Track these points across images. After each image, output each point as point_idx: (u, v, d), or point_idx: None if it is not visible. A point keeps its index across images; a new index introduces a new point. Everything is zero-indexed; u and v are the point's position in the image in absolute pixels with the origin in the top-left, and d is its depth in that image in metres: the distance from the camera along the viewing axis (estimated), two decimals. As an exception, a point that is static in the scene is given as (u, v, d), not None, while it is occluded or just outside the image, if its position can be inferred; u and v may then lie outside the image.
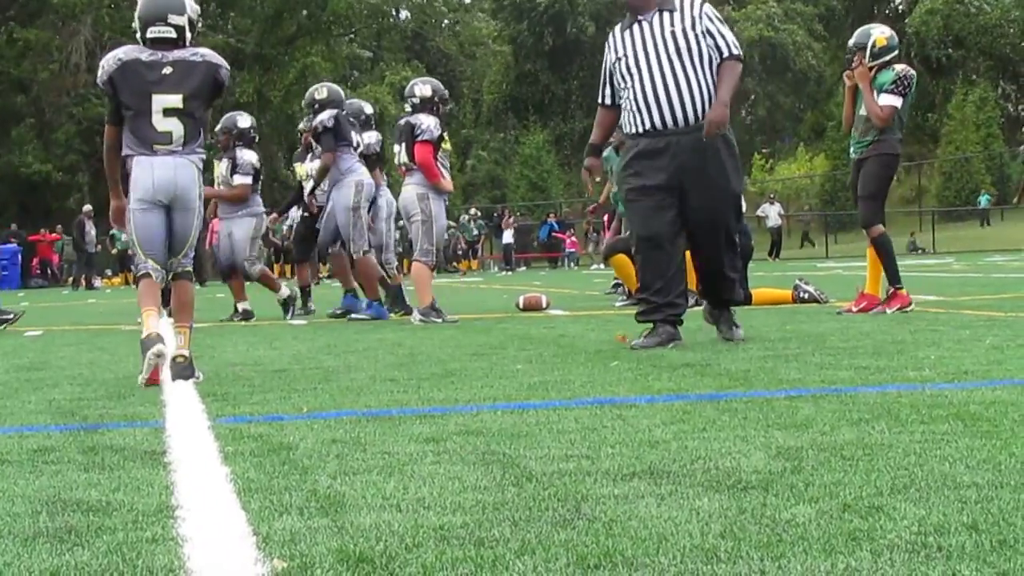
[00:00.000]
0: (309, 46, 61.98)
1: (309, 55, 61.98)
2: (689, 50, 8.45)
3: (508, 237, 53.31)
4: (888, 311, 11.05)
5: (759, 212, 54.95)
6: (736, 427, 4.59)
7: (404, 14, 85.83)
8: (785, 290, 13.73)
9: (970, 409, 4.81)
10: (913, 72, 11.26)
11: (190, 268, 7.54)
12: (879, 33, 11.30)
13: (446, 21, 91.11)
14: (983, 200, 63.51)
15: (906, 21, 75.28)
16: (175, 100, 7.31)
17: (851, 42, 11.42)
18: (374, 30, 77.61)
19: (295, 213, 17.12)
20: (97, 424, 5.27)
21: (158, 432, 4.96)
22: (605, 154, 16.81)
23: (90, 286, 40.37)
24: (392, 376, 6.92)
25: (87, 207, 42.77)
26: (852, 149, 11.38)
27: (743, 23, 76.13)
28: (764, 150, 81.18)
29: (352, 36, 68.87)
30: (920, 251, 48.62)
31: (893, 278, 11.25)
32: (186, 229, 7.44)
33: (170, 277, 7.51)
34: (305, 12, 63.12)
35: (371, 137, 14.16)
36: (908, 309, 11.06)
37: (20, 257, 48.16)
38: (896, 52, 11.31)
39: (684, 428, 4.60)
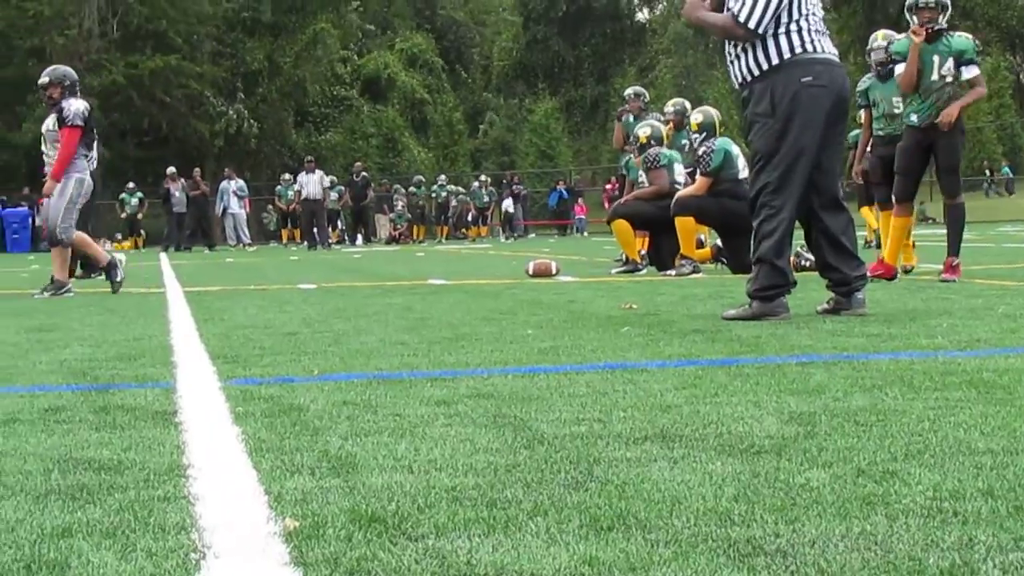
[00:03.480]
0: (319, 12, 61.70)
1: (319, 22, 61.77)
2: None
3: (508, 204, 53.12)
4: (954, 279, 10.88)
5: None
6: (748, 392, 4.58)
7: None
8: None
9: (983, 376, 4.80)
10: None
11: None
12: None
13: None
14: (1006, 170, 63.74)
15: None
16: None
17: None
18: (383, -1, 77.11)
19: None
20: (108, 384, 5.27)
21: (168, 393, 4.95)
22: (625, 161, 16.74)
23: (188, 248, 38.47)
24: (402, 340, 6.91)
25: (171, 169, 39.99)
26: (916, 116, 11.06)
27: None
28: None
29: (360, 6, 68.29)
30: (930, 220, 48.32)
31: (958, 248, 11.15)
32: None
33: None
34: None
35: None
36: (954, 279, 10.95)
37: (31, 221, 48.01)
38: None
39: (696, 393, 4.59)
